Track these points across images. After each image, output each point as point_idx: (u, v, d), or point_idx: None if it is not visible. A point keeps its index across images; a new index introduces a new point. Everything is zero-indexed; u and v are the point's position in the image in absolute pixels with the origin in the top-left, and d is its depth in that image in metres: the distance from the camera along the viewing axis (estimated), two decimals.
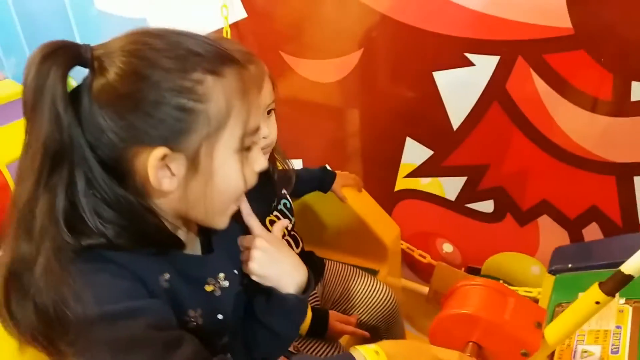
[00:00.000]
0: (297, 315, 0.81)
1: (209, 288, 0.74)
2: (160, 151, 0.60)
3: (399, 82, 1.49)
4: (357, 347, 0.65)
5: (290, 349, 0.99)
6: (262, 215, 1.06)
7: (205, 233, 0.77)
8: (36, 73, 0.57)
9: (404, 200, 1.65)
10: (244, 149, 0.66)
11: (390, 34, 1.43)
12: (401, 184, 1.63)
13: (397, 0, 1.37)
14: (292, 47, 1.63)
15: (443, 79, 1.39)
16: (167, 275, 0.67)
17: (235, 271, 0.77)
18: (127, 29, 0.67)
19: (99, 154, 0.61)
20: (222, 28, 1.63)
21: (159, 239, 0.67)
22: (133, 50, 0.60)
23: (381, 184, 1.67)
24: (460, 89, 1.38)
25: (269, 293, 0.77)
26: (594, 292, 0.66)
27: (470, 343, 0.85)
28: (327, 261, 1.27)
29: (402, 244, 1.51)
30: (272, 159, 1.10)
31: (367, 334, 1.14)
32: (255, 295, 0.79)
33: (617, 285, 0.64)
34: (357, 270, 1.25)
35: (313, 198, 1.38)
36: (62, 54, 0.58)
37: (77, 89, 0.61)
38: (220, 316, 0.75)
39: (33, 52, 0.59)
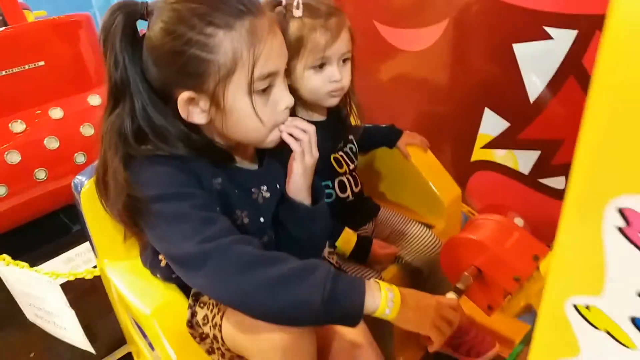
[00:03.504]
0: (310, 222, 0.92)
1: (253, 196, 0.90)
2: (185, 94, 0.78)
3: (481, 53, 1.54)
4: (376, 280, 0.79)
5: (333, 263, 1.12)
6: (327, 150, 1.19)
7: (261, 151, 0.94)
8: (105, 21, 0.79)
9: (480, 171, 1.70)
10: (257, 91, 0.79)
11: (474, 6, 1.49)
12: (478, 154, 1.67)
13: None
14: (383, 16, 1.74)
15: (522, 51, 1.43)
16: (219, 180, 0.85)
17: (278, 185, 0.92)
18: None
19: (154, 87, 0.81)
20: None
21: (210, 153, 0.84)
22: (170, 9, 0.77)
23: (459, 154, 1.73)
24: (538, 62, 1.41)
25: (287, 202, 0.90)
26: None
27: (472, 266, 0.94)
28: (383, 208, 1.36)
29: (463, 207, 1.56)
30: (346, 105, 1.23)
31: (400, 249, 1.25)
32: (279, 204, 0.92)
33: None
34: (410, 218, 1.33)
35: (379, 153, 1.47)
36: (125, 9, 0.79)
37: (144, 35, 0.81)
38: (262, 219, 0.90)
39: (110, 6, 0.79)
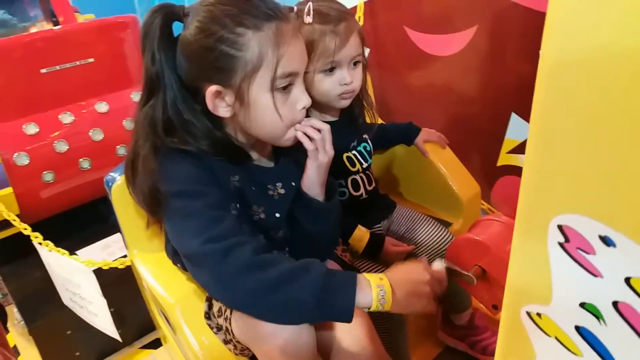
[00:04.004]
0: (323, 218, 0.97)
1: (269, 192, 0.96)
2: (213, 88, 0.85)
3: (508, 59, 1.55)
4: (365, 274, 0.84)
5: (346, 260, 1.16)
6: (340, 150, 1.23)
7: (278, 151, 0.99)
8: (145, 22, 0.87)
9: (506, 176, 1.70)
10: (278, 89, 0.85)
11: (503, 13, 1.50)
12: (504, 159, 1.68)
13: None
14: (414, 23, 1.77)
15: None
16: (237, 177, 0.91)
17: (293, 183, 0.97)
18: None
19: (185, 83, 0.88)
20: (357, 5, 1.83)
21: (229, 150, 0.91)
22: (205, 10, 0.84)
23: (485, 158, 1.73)
24: None
25: (302, 198, 0.96)
26: None
27: (476, 266, 0.97)
28: (399, 205, 1.39)
29: (483, 205, 1.56)
30: (359, 106, 1.27)
31: (413, 247, 1.28)
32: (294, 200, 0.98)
33: None
34: (426, 216, 1.35)
35: (397, 150, 1.50)
36: (164, 10, 0.87)
37: (179, 35, 0.88)
38: (277, 215, 0.96)
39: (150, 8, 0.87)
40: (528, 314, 0.49)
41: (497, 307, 1.01)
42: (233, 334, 0.92)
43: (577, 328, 0.45)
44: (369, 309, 0.82)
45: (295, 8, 1.06)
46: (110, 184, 1.11)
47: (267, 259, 0.82)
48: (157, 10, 0.87)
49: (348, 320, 0.81)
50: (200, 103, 0.88)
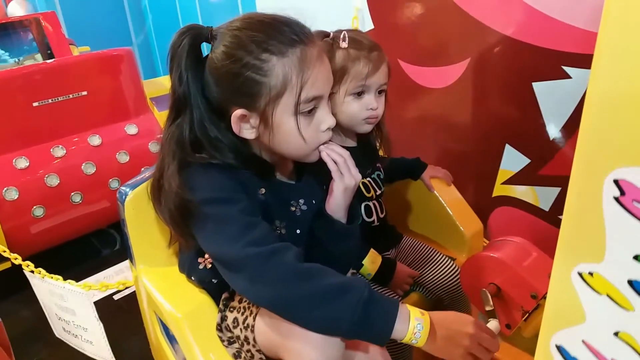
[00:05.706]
0: (344, 239, 0.98)
1: (292, 208, 0.97)
2: (239, 111, 0.87)
3: (501, 91, 1.60)
4: (407, 305, 0.83)
5: None
6: None
7: (300, 169, 1.01)
8: (173, 43, 0.89)
9: (502, 206, 1.73)
10: (302, 112, 0.86)
11: (495, 46, 1.55)
12: (499, 190, 1.71)
13: (503, 15, 1.50)
14: (408, 56, 1.82)
15: (542, 90, 1.48)
16: (263, 190, 0.92)
17: (314, 201, 0.98)
18: None
19: (212, 103, 0.90)
20: None
21: (256, 164, 0.92)
22: (232, 35, 0.86)
23: (480, 189, 1.76)
24: (557, 100, 1.46)
25: (325, 218, 0.96)
26: None
27: (491, 284, 0.98)
28: (406, 237, 1.40)
29: (485, 242, 1.59)
30: (378, 135, 1.31)
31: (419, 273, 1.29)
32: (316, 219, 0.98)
33: None
34: (432, 248, 1.36)
35: (404, 184, 1.52)
36: (191, 32, 0.88)
37: (206, 57, 0.90)
38: (298, 231, 0.97)
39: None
40: (579, 274, 0.50)
41: (510, 327, 1.01)
42: (254, 342, 0.90)
43: (630, 282, 0.46)
44: (401, 340, 0.81)
45: (332, 34, 1.10)
46: (123, 197, 1.11)
47: (312, 269, 0.81)
48: (185, 31, 0.88)
49: (381, 344, 0.81)
50: (226, 122, 0.89)
